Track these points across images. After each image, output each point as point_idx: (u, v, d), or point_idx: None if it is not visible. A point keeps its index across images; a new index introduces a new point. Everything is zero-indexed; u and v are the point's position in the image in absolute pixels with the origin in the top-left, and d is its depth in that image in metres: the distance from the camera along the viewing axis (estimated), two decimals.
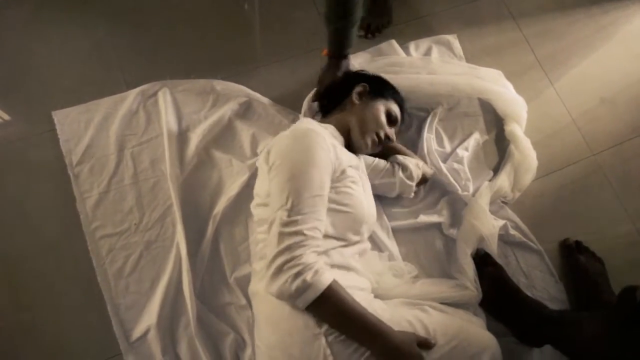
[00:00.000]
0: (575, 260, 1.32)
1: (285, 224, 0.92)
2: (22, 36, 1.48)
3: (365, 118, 1.20)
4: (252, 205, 1.16)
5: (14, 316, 1.20)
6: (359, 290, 1.03)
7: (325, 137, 1.04)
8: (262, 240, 1.07)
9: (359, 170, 1.15)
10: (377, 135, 1.20)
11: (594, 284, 1.26)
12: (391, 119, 1.24)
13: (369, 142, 1.18)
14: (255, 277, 1.09)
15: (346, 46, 1.29)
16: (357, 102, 1.23)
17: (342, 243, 1.05)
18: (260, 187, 1.10)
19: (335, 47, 1.30)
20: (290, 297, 0.89)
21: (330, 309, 0.91)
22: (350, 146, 1.20)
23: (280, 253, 0.90)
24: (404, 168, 1.28)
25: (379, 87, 1.27)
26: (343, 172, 1.05)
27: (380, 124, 1.20)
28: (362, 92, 1.24)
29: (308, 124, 1.12)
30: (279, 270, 0.89)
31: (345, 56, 1.32)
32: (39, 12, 1.52)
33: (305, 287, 0.88)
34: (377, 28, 1.58)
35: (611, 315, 1.06)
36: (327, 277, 0.90)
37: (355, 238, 1.08)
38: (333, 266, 1.01)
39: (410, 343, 0.92)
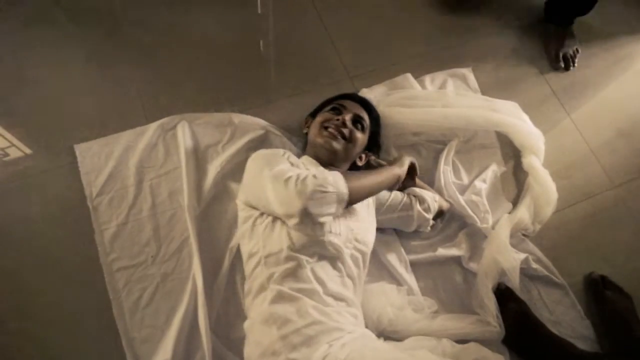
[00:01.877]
0: (601, 296, 1.27)
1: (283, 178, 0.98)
2: (45, 71, 1.52)
3: (313, 131, 1.25)
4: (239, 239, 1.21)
5: (29, 348, 1.19)
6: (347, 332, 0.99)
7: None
8: (248, 275, 1.10)
9: None
10: (326, 129, 1.21)
11: (622, 321, 1.21)
12: (334, 110, 1.26)
13: (325, 135, 1.20)
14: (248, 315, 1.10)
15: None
16: (306, 130, 1.32)
17: (312, 258, 1.03)
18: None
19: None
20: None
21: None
22: (331, 164, 1.21)
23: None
24: (421, 201, 1.27)
25: (318, 108, 1.35)
26: None
27: (325, 120, 1.23)
28: (305, 122, 1.35)
29: None
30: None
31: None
32: (61, 48, 1.57)
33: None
34: (573, 56, 1.67)
35: None
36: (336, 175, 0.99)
37: (324, 251, 1.04)
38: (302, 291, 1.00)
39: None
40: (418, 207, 1.26)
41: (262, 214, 1.08)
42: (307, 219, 0.93)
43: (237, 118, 1.45)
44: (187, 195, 1.31)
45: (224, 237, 1.30)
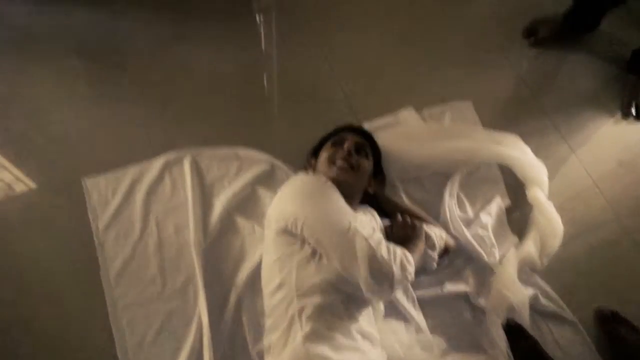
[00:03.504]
0: (614, 333, 1.26)
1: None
2: (54, 106, 1.56)
3: (322, 169, 1.25)
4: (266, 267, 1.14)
5: None
6: None
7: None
8: (273, 307, 1.06)
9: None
10: (334, 163, 1.22)
11: (636, 358, 1.20)
12: (336, 144, 1.28)
13: (335, 170, 1.21)
14: (271, 354, 1.06)
15: None
16: (312, 170, 1.30)
17: (341, 296, 1.03)
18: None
19: None
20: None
21: None
22: (346, 195, 1.17)
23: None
24: (427, 237, 1.26)
25: (318, 146, 1.36)
26: None
27: (330, 156, 1.24)
28: (309, 163, 1.34)
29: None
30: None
31: None
32: (70, 84, 1.60)
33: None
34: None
35: None
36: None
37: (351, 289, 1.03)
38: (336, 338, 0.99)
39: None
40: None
41: (302, 244, 1.05)
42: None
43: (243, 152, 1.46)
44: (193, 231, 1.31)
45: (230, 272, 1.29)
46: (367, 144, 1.32)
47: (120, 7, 1.77)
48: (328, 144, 1.30)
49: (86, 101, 1.58)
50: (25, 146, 1.48)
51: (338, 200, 1.08)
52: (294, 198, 1.10)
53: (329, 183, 1.12)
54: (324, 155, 1.27)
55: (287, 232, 1.07)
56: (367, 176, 1.27)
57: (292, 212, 1.06)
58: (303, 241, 1.04)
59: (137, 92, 1.60)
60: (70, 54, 1.65)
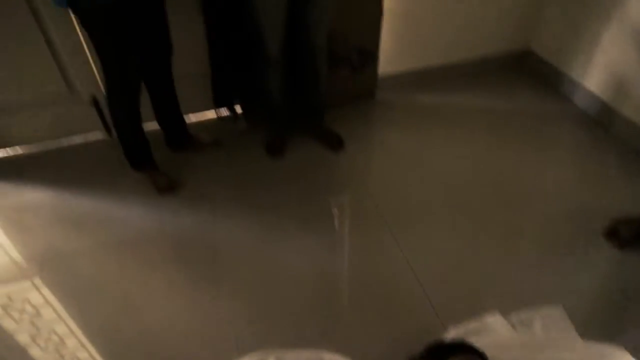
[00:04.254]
0: None
1: None
2: (149, 300, 1.69)
3: None
4: None
5: None
6: None
7: None
8: None
9: None
10: None
11: None
12: None
13: None
14: None
15: None
16: None
17: None
18: None
19: None
20: None
21: None
22: None
23: None
24: None
25: (433, 355, 1.24)
26: None
27: None
28: None
29: None
30: None
31: None
32: (170, 282, 1.76)
33: None
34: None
35: None
36: None
37: None
38: None
39: None
40: None
41: None
42: None
43: (327, 356, 1.45)
44: None
45: None
46: None
47: (218, 209, 2.04)
48: None
49: (177, 297, 1.70)
50: (111, 333, 1.59)
51: None
52: None
53: None
54: None
55: None
56: None
57: None
58: None
59: (228, 291, 1.71)
60: (170, 252, 1.86)
